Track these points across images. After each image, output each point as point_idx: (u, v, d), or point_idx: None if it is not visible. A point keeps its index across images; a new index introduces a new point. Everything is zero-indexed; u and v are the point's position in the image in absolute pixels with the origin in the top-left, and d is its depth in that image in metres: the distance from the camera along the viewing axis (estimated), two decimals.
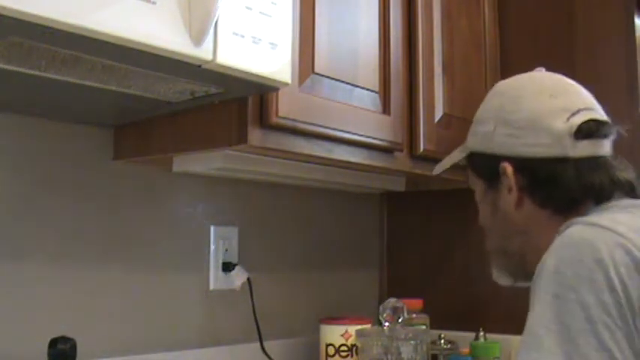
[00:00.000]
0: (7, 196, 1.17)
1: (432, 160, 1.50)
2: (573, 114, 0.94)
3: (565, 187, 0.93)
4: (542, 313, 0.78)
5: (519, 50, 1.75)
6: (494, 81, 1.72)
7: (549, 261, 0.81)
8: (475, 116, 1.06)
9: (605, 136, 0.95)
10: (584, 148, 0.93)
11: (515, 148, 0.96)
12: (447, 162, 1.12)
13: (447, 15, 1.56)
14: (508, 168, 0.96)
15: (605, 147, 0.95)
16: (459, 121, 1.58)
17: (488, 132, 0.99)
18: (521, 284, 1.00)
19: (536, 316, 0.79)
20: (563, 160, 0.93)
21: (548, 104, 0.96)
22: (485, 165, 1.00)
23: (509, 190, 0.97)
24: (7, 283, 1.15)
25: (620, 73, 1.59)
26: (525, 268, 0.97)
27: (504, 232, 1.01)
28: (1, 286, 1.15)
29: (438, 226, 1.88)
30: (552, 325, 0.76)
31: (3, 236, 1.15)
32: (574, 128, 0.92)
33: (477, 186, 1.05)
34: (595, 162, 0.93)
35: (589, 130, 0.93)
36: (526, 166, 0.95)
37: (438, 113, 1.51)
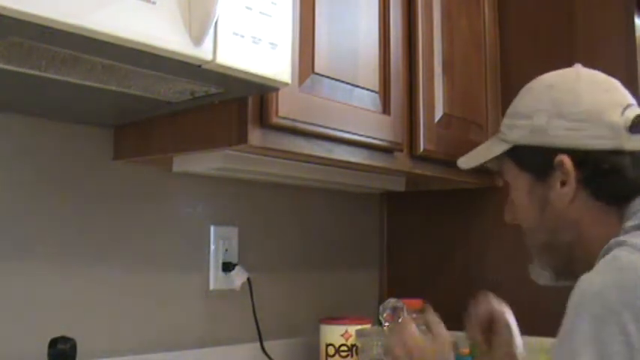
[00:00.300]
0: (6, 196, 1.17)
1: (432, 160, 1.51)
2: (625, 108, 0.96)
3: (625, 178, 0.95)
4: (581, 330, 0.78)
5: (519, 50, 1.75)
6: (495, 81, 1.73)
7: (594, 280, 0.81)
8: (513, 110, 1.05)
9: None
10: (636, 142, 0.95)
11: (575, 141, 0.96)
12: (480, 156, 1.10)
13: (447, 15, 1.56)
14: (566, 161, 0.96)
15: None
16: (459, 121, 1.58)
17: (540, 125, 0.98)
18: (562, 284, 1.00)
19: (574, 332, 0.78)
20: (620, 153, 0.95)
21: (604, 98, 0.98)
22: (535, 158, 1.00)
23: (564, 182, 0.97)
24: (7, 283, 1.15)
25: (620, 73, 1.57)
26: (571, 265, 0.98)
27: (554, 226, 1.00)
28: (1, 286, 1.15)
29: (438, 226, 1.88)
30: (590, 343, 0.76)
31: (3, 236, 1.15)
32: (629, 122, 0.95)
33: (519, 179, 1.03)
34: None
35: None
36: (586, 159, 0.95)
37: (438, 113, 1.51)
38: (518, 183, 1.04)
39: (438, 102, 1.51)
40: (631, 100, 1.00)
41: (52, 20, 0.72)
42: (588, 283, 0.81)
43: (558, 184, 0.97)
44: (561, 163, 0.96)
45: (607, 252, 0.85)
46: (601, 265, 0.83)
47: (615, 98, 0.99)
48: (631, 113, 0.96)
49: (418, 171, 1.47)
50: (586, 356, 0.76)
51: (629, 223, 0.90)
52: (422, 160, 1.47)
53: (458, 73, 1.59)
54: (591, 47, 1.64)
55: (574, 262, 0.97)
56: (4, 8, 0.68)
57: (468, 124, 1.62)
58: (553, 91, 1.00)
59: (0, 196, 1.16)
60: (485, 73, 1.70)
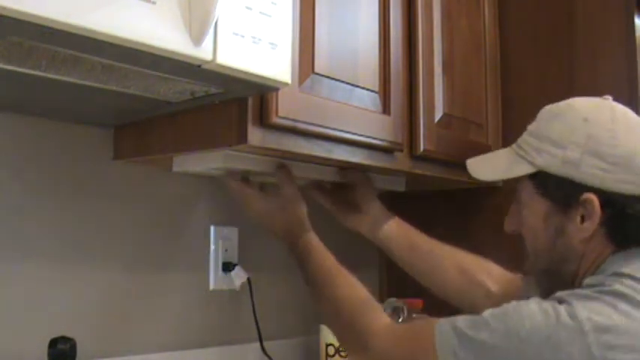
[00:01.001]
0: (6, 196, 1.16)
1: (432, 160, 1.50)
2: None
3: None
4: (536, 314, 0.88)
5: (519, 50, 1.75)
6: (495, 81, 1.73)
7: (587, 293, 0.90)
8: (542, 133, 1.03)
9: None
10: None
11: (605, 183, 0.96)
12: (500, 171, 1.10)
13: (447, 15, 1.56)
14: (595, 200, 0.96)
15: None
16: (459, 121, 1.58)
17: (572, 159, 0.98)
18: None
19: (529, 310, 0.88)
20: None
21: (639, 143, 0.98)
22: (561, 189, 1.00)
23: (584, 218, 0.98)
24: (8, 282, 1.15)
25: (620, 73, 1.59)
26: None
27: (563, 256, 1.02)
28: (1, 286, 1.15)
29: (438, 226, 1.87)
30: (527, 327, 0.87)
31: (3, 236, 1.15)
32: None
33: (537, 203, 1.03)
34: None
35: None
36: (612, 201, 0.96)
37: (438, 113, 1.51)
38: (535, 206, 1.04)
39: (438, 102, 1.51)
40: None
41: (52, 20, 0.72)
42: (586, 288, 0.92)
43: (579, 219, 0.98)
44: (589, 202, 0.97)
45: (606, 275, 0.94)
46: (607, 292, 0.89)
47: None
48: None
49: (418, 171, 1.47)
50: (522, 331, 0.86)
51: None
52: (422, 160, 1.47)
53: (458, 73, 1.59)
54: (591, 47, 1.64)
55: (574, 287, 0.99)
56: (4, 8, 0.68)
57: (467, 124, 1.62)
58: (589, 127, 0.99)
59: (0, 196, 1.16)
60: (485, 73, 1.70)
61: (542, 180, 1.02)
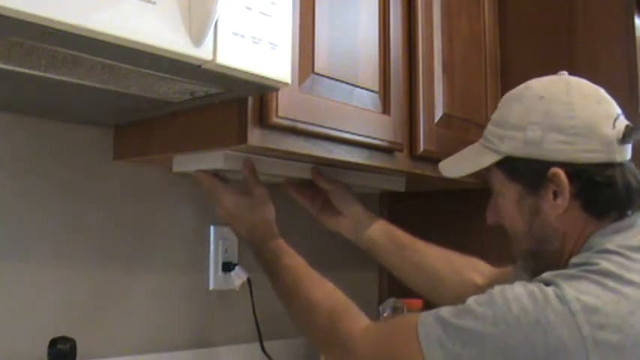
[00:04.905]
0: (6, 196, 1.17)
1: (432, 160, 1.50)
2: (615, 119, 0.98)
3: (616, 191, 0.97)
4: (522, 297, 0.87)
5: (519, 50, 1.75)
6: (495, 81, 1.73)
7: (574, 273, 0.89)
8: (502, 120, 1.05)
9: (635, 141, 0.99)
10: (624, 152, 0.98)
11: (570, 155, 0.97)
12: (468, 165, 1.10)
13: (447, 15, 1.56)
14: (561, 174, 0.97)
15: (630, 151, 1.00)
16: (459, 121, 1.58)
17: (534, 138, 0.98)
18: None
19: (515, 294, 0.87)
20: (611, 165, 0.96)
21: (597, 111, 0.99)
22: (528, 170, 1.00)
23: (557, 195, 0.98)
24: (7, 283, 1.15)
25: (620, 73, 1.58)
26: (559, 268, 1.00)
27: (542, 235, 1.02)
28: (1, 286, 1.15)
29: (438, 226, 1.88)
30: (514, 312, 0.85)
31: (3, 236, 1.15)
32: (620, 134, 0.96)
33: (508, 189, 1.04)
34: (630, 166, 0.99)
35: (629, 136, 0.97)
36: (580, 172, 0.96)
37: (438, 113, 1.51)
38: (507, 192, 1.04)
39: (438, 102, 1.51)
40: (618, 109, 1.01)
41: (52, 20, 0.72)
42: (575, 266, 0.91)
43: (551, 196, 0.99)
44: (556, 176, 0.97)
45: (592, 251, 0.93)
46: (593, 271, 0.89)
47: (606, 110, 1.00)
48: (621, 125, 0.98)
49: (418, 171, 1.47)
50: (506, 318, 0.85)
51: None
52: (422, 160, 1.47)
53: (458, 73, 1.59)
54: (591, 47, 1.64)
55: (562, 266, 0.98)
56: (4, 8, 0.68)
57: (467, 124, 1.62)
58: (545, 103, 1.00)
59: (0, 196, 1.16)
60: (485, 73, 1.70)
61: (509, 165, 1.02)
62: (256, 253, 1.21)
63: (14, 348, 1.14)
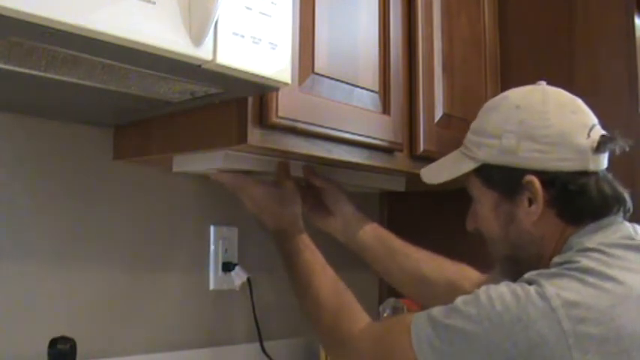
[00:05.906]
0: (7, 196, 1.17)
1: (433, 160, 1.50)
2: (590, 129, 1.00)
3: (590, 198, 0.98)
4: (505, 295, 0.88)
5: (519, 50, 1.75)
6: (495, 81, 1.73)
7: (557, 271, 0.91)
8: (480, 128, 1.07)
9: (611, 150, 1.00)
10: (598, 161, 0.99)
11: (544, 163, 0.99)
12: (447, 171, 1.13)
13: (447, 15, 1.56)
14: (535, 182, 0.99)
15: (606, 160, 1.01)
16: (459, 121, 1.58)
17: (509, 146, 1.00)
18: None
19: (498, 293, 0.89)
20: (585, 173, 0.98)
21: (572, 120, 1.00)
22: (504, 177, 1.03)
23: (531, 202, 1.00)
24: (7, 283, 1.15)
25: (620, 73, 1.58)
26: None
27: (518, 241, 1.04)
28: (1, 286, 1.15)
29: (438, 226, 1.88)
30: (497, 310, 0.87)
31: (3, 236, 1.15)
32: (595, 143, 0.98)
33: (485, 196, 1.07)
34: (605, 175, 1.00)
35: (605, 146, 0.98)
36: (554, 180, 0.98)
37: (438, 113, 1.51)
38: (484, 199, 1.07)
39: (437, 102, 1.51)
40: (594, 119, 1.03)
41: (52, 20, 0.72)
42: (556, 266, 0.93)
43: (526, 203, 1.01)
44: (531, 184, 0.99)
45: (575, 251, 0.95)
46: (574, 269, 0.91)
47: (581, 120, 1.01)
48: (596, 135, 0.99)
49: (418, 171, 1.47)
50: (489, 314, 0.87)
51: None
52: (422, 160, 1.47)
53: (458, 73, 1.59)
54: (591, 47, 1.64)
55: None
56: (4, 8, 0.68)
57: (467, 124, 1.60)
58: (521, 113, 1.02)
59: (0, 196, 1.16)
60: (485, 73, 1.70)
61: (486, 173, 1.05)
62: (279, 245, 1.24)
63: (14, 348, 1.14)
